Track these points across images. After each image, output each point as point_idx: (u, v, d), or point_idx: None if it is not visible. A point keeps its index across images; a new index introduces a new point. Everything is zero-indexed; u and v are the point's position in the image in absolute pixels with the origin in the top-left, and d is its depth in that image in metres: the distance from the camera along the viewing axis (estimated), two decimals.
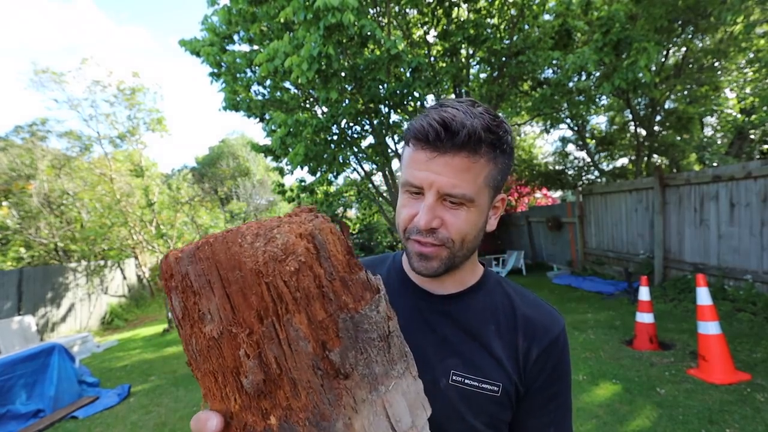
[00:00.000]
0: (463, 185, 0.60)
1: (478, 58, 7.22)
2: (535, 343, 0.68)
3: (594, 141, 11.62)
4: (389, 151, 7.19)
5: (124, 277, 11.46)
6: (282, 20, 5.07)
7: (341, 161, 6.68)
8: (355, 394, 0.38)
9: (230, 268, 0.37)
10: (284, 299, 0.36)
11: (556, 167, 12.66)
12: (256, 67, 6.05)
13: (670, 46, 8.18)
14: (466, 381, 0.66)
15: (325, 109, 6.29)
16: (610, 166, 12.08)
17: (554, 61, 6.02)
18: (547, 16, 6.93)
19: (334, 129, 6.39)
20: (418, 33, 7.74)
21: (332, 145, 6.57)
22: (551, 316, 0.71)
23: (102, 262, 10.65)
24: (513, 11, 6.73)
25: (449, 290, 0.72)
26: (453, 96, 7.80)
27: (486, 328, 0.69)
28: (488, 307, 0.71)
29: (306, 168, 6.70)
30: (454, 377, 0.67)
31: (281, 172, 7.81)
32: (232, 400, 0.38)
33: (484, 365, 0.67)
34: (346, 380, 0.38)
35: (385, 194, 8.19)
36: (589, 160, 11.55)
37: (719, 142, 9.48)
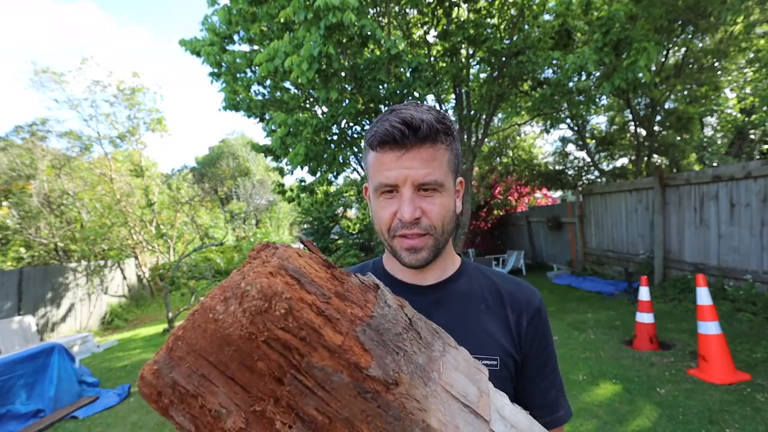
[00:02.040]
0: (433, 173, 0.67)
1: (478, 58, 7.22)
2: (523, 314, 0.75)
3: (594, 141, 11.61)
4: None
5: (124, 277, 11.45)
6: (282, 20, 5.06)
7: (341, 161, 6.67)
8: (415, 395, 0.36)
9: (218, 350, 0.33)
10: (291, 346, 0.33)
11: (556, 167, 12.66)
12: (256, 67, 6.05)
13: (670, 46, 8.17)
14: None
15: (325, 109, 6.28)
16: (610, 166, 12.07)
17: (554, 61, 6.02)
18: (547, 16, 6.93)
19: (334, 129, 6.39)
20: (418, 33, 7.73)
21: (332, 145, 6.57)
22: (530, 290, 0.79)
23: (102, 262, 10.65)
24: (513, 11, 6.73)
25: (435, 280, 0.78)
26: (453, 96, 7.81)
27: (475, 308, 0.75)
28: (474, 290, 0.78)
29: (306, 168, 6.70)
30: None
31: (281, 172, 7.81)
32: None
33: (479, 342, 0.71)
34: (398, 387, 0.35)
35: None
36: (589, 160, 11.55)
37: (719, 142, 9.47)
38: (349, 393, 0.34)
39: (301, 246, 0.43)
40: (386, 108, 6.72)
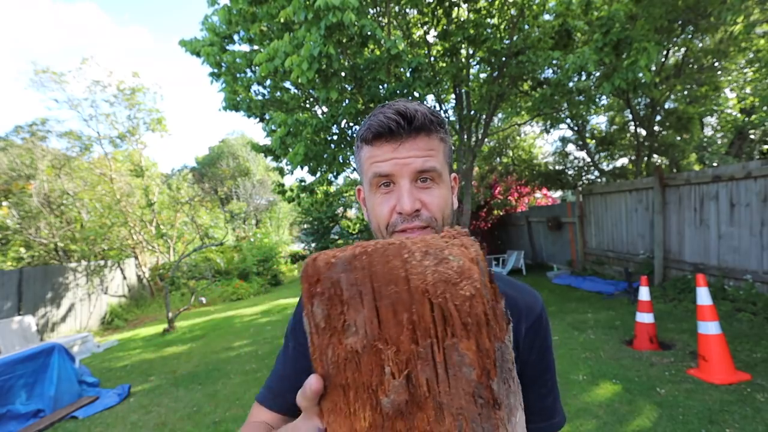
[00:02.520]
0: (431, 161, 0.66)
1: (478, 58, 7.22)
2: (522, 320, 0.72)
3: (594, 141, 11.61)
4: None
5: (124, 277, 11.45)
6: (282, 20, 5.06)
7: (341, 161, 6.67)
8: (506, 426, 0.37)
9: (385, 282, 0.35)
10: (452, 323, 0.35)
11: (556, 167, 12.66)
12: (256, 67, 6.04)
13: (670, 46, 8.17)
14: None
15: (325, 109, 6.28)
16: (610, 166, 12.08)
17: (554, 61, 6.01)
18: (547, 16, 6.93)
19: (334, 129, 6.38)
20: (418, 33, 7.73)
21: (332, 145, 6.57)
22: (532, 295, 0.76)
23: (102, 262, 10.65)
24: (513, 11, 6.72)
25: None
26: (453, 96, 7.80)
27: None
28: None
29: (306, 168, 6.69)
30: None
31: (281, 172, 7.81)
32: (361, 417, 0.37)
33: None
34: (500, 411, 0.36)
35: None
36: (589, 160, 11.55)
37: (719, 142, 9.48)
38: (464, 387, 0.35)
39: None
40: None
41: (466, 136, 7.43)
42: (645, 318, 4.07)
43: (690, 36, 8.01)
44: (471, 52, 7.03)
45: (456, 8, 6.69)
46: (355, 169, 7.98)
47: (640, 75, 5.32)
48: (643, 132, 9.63)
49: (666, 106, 9.49)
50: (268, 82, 6.70)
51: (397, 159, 0.65)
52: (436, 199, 0.67)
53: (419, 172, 0.65)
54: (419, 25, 7.56)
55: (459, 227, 0.41)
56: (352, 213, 15.81)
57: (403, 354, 0.35)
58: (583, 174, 11.93)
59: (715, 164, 8.16)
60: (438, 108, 7.66)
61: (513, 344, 0.73)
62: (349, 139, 6.74)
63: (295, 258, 17.15)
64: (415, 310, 0.35)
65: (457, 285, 0.34)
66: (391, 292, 0.35)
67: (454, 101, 7.82)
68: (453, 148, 0.75)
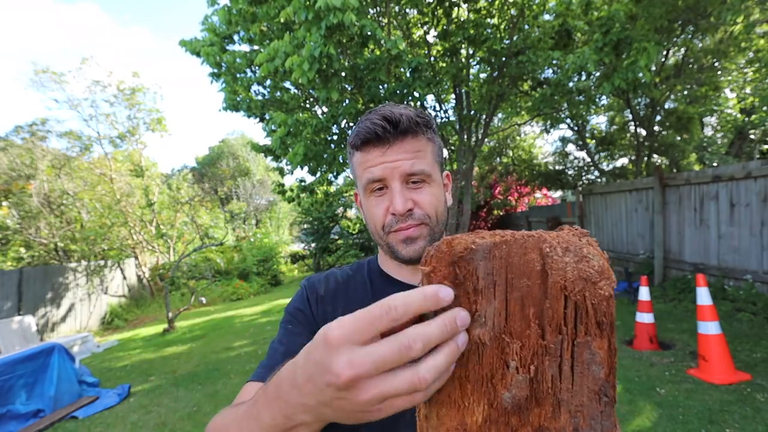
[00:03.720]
0: (419, 163, 0.68)
1: (478, 58, 7.21)
2: None
3: (594, 141, 11.61)
4: None
5: (124, 277, 11.45)
6: (282, 20, 5.06)
7: (341, 161, 6.67)
8: (618, 425, 0.37)
9: (519, 275, 0.35)
10: (586, 321, 0.35)
11: (556, 167, 12.66)
12: (256, 67, 6.05)
13: (670, 46, 8.17)
14: None
15: (325, 109, 6.28)
16: (610, 166, 12.08)
17: (554, 61, 6.01)
18: (547, 16, 6.92)
19: (334, 129, 6.39)
20: (418, 33, 7.73)
21: (332, 145, 6.57)
22: None
23: (102, 262, 10.65)
24: (513, 11, 6.72)
25: None
26: (453, 96, 7.81)
27: None
28: None
29: (306, 168, 6.70)
30: None
31: (281, 172, 7.81)
32: (475, 411, 0.36)
33: None
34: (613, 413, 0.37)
35: None
36: (589, 160, 11.55)
37: (719, 142, 9.48)
38: (590, 386, 0.35)
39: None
40: None
41: (466, 136, 7.43)
42: (645, 318, 4.07)
43: (690, 36, 8.01)
44: (471, 52, 7.03)
45: (456, 8, 6.68)
46: None
47: (640, 75, 5.32)
48: (643, 132, 9.63)
49: (666, 106, 9.49)
50: (268, 82, 6.70)
51: (387, 163, 0.67)
52: (428, 197, 0.69)
53: (409, 175, 0.68)
54: (419, 25, 7.56)
55: (573, 226, 0.40)
56: (352, 213, 15.81)
57: (529, 349, 0.35)
58: (583, 174, 11.93)
59: (715, 164, 8.16)
60: (438, 108, 7.66)
61: None
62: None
63: (295, 258, 17.14)
64: (548, 305, 0.34)
65: (597, 284, 0.34)
66: (522, 285, 0.35)
67: (454, 101, 7.82)
68: (443, 146, 0.77)
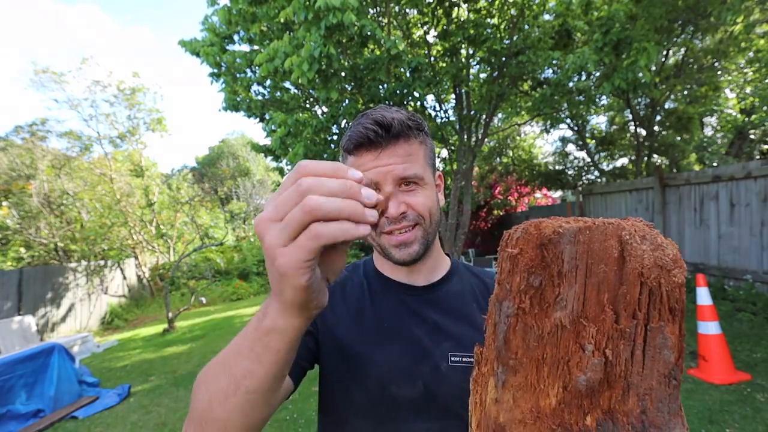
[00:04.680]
0: (411, 167, 0.69)
1: (478, 58, 7.21)
2: None
3: (594, 141, 11.61)
4: None
5: (124, 277, 11.45)
6: (282, 20, 5.06)
7: (341, 161, 6.67)
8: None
9: (597, 260, 0.35)
10: (659, 307, 0.35)
11: (556, 167, 12.66)
12: (256, 67, 6.05)
13: (670, 46, 8.17)
14: (464, 359, 0.72)
15: (325, 109, 6.28)
16: (610, 166, 12.08)
17: (554, 61, 6.01)
18: (547, 16, 6.92)
19: (334, 129, 6.38)
20: (418, 33, 7.73)
21: (332, 145, 6.57)
22: None
23: (102, 262, 10.65)
24: (513, 11, 6.72)
25: (427, 281, 0.79)
26: (453, 96, 7.81)
27: (470, 308, 0.77)
28: (466, 289, 0.80)
29: None
30: (452, 359, 0.72)
31: (281, 172, 7.81)
32: (549, 394, 0.37)
33: (474, 340, 0.72)
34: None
35: None
36: (589, 160, 11.55)
37: (719, 142, 9.48)
38: (660, 369, 0.36)
39: None
40: None
41: (466, 136, 7.43)
42: None
43: (690, 36, 8.01)
44: (471, 52, 7.03)
45: (456, 8, 6.68)
46: None
47: (640, 75, 5.32)
48: (643, 132, 9.63)
49: (666, 106, 9.49)
50: (268, 82, 6.70)
51: (380, 167, 0.68)
52: (421, 198, 0.71)
53: (402, 179, 0.69)
54: (419, 25, 7.56)
55: (637, 218, 0.40)
56: None
57: (604, 333, 0.36)
58: (583, 174, 11.93)
59: (715, 164, 8.16)
60: (438, 108, 7.66)
61: None
62: None
63: None
64: (626, 290, 0.35)
65: (671, 272, 0.35)
66: (600, 270, 0.35)
67: (454, 101, 7.82)
68: (435, 147, 0.79)
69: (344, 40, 5.11)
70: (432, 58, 7.22)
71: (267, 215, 0.36)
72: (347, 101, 6.12)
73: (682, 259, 0.36)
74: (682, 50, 8.56)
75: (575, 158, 12.45)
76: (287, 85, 6.80)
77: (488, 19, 6.71)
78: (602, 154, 11.91)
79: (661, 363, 0.36)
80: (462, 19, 6.70)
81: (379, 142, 0.68)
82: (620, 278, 0.35)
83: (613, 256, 0.35)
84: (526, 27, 6.73)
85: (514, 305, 0.38)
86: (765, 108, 7.76)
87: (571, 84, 6.11)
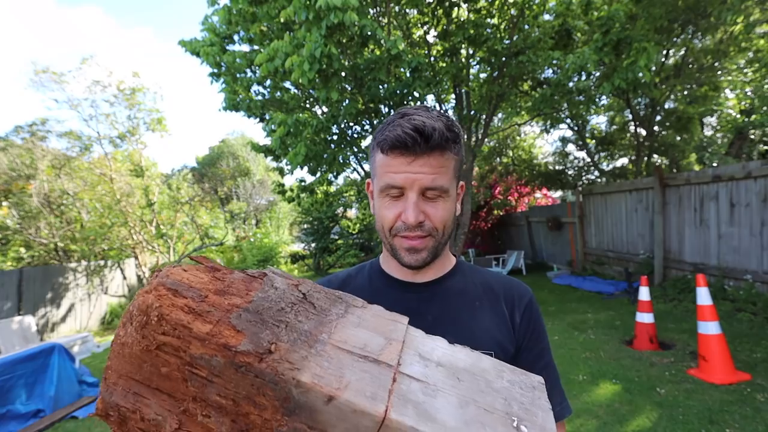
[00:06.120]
0: (440, 179, 0.69)
1: (478, 58, 7.21)
2: (516, 307, 0.79)
3: (594, 141, 11.61)
4: None
5: (124, 277, 11.45)
6: (282, 20, 5.06)
7: (341, 161, 6.67)
8: (289, 358, 0.40)
9: (138, 368, 0.39)
10: (174, 345, 0.38)
11: (556, 167, 12.65)
12: (256, 67, 6.05)
13: (670, 46, 8.17)
14: None
15: (325, 109, 6.28)
16: (610, 166, 12.07)
17: (554, 61, 6.01)
18: (547, 16, 6.93)
19: (334, 129, 6.39)
20: (418, 33, 7.73)
21: (332, 145, 6.57)
22: (522, 286, 0.83)
23: (102, 262, 10.65)
24: (513, 11, 6.72)
25: (431, 277, 0.80)
26: (453, 96, 7.81)
27: (471, 304, 0.78)
28: (468, 286, 0.81)
29: (306, 168, 6.69)
30: None
31: (281, 172, 7.81)
32: None
33: (474, 337, 0.73)
34: (272, 355, 0.39)
35: None
36: (589, 160, 11.55)
37: (719, 142, 9.48)
38: (231, 372, 0.38)
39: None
40: (386, 108, 6.65)
41: (466, 136, 7.43)
42: (645, 318, 4.07)
43: (690, 36, 8.00)
44: (471, 52, 7.03)
45: (456, 8, 6.68)
46: (355, 169, 8.00)
47: (640, 75, 5.32)
48: (643, 132, 9.62)
49: (666, 106, 9.48)
50: (268, 82, 6.70)
51: (409, 173, 0.68)
52: (441, 212, 0.71)
53: (428, 189, 0.69)
54: (419, 25, 7.56)
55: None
56: (352, 213, 15.82)
57: (196, 396, 0.40)
58: (583, 174, 11.93)
59: (715, 164, 8.16)
60: (438, 108, 7.67)
61: (511, 331, 0.77)
62: (349, 139, 6.74)
63: (295, 258, 17.15)
64: (161, 364, 0.40)
65: (149, 321, 0.40)
66: (147, 369, 0.41)
67: (454, 101, 7.82)
68: (465, 156, 0.77)
69: (345, 40, 5.11)
70: (432, 58, 7.22)
71: None
72: (347, 101, 6.12)
73: (149, 297, 0.40)
74: (682, 50, 8.56)
75: (575, 158, 12.45)
76: (287, 85, 6.80)
77: (488, 19, 6.71)
78: (602, 154, 11.91)
79: (225, 369, 0.38)
80: (462, 19, 6.70)
81: (415, 149, 0.67)
82: (155, 361, 0.40)
83: (136, 354, 0.40)
84: (526, 27, 6.73)
85: None
86: (765, 108, 7.75)
87: (571, 84, 6.11)
